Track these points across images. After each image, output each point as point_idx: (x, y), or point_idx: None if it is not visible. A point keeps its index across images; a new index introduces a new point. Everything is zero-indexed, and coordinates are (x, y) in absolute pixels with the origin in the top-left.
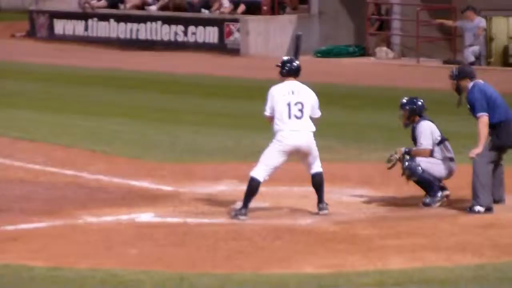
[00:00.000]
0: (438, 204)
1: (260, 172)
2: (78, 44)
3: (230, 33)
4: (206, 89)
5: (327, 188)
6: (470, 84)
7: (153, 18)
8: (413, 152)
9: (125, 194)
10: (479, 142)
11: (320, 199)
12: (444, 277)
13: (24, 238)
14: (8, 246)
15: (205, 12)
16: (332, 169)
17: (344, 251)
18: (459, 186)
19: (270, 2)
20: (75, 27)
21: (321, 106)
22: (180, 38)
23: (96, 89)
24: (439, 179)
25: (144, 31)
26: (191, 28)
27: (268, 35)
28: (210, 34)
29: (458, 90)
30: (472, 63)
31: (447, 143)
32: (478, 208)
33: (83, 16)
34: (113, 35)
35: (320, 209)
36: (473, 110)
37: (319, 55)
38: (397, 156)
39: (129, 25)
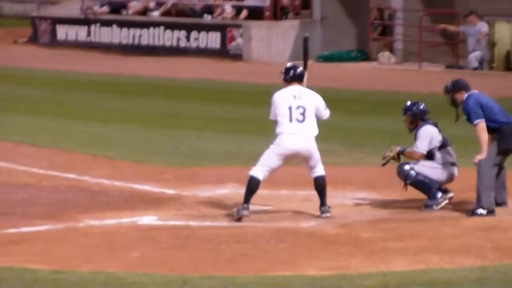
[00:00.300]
0: (440, 206)
1: (259, 171)
2: (80, 50)
3: (233, 38)
4: (208, 94)
5: (330, 192)
6: (465, 96)
7: (155, 24)
8: (407, 153)
9: (128, 198)
10: (481, 148)
11: (323, 202)
12: (447, 279)
13: (26, 241)
14: (11, 249)
15: (207, 18)
16: (335, 172)
17: (347, 253)
18: (462, 189)
19: (273, 7)
20: (78, 33)
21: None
22: (183, 43)
23: (98, 94)
24: (439, 182)
25: (147, 36)
26: (194, 34)
27: (271, 41)
28: (212, 40)
29: (454, 103)
30: (475, 68)
31: (449, 148)
32: (480, 211)
33: (85, 22)
34: (116, 40)
35: (322, 212)
36: (470, 119)
37: (321, 60)
38: (391, 154)
39: (132, 30)
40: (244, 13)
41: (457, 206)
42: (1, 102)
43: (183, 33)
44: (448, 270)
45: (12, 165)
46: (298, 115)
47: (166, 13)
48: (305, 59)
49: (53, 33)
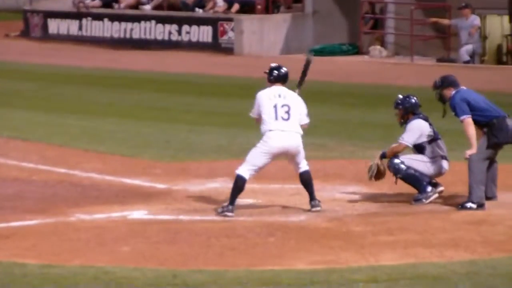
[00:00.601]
0: (430, 199)
1: (245, 170)
2: (72, 43)
3: (224, 32)
4: (200, 88)
5: (320, 185)
6: (453, 92)
7: (147, 18)
8: (389, 152)
9: (118, 192)
10: (470, 143)
11: (312, 196)
12: (437, 273)
13: (16, 235)
14: (0, 244)
15: (199, 11)
16: (326, 166)
17: (337, 247)
18: (452, 182)
19: (264, 1)
20: (69, 27)
21: (315, 104)
22: (174, 37)
23: (90, 88)
24: (429, 176)
25: (138, 30)
26: (185, 27)
27: (262, 34)
28: (204, 33)
29: (442, 99)
30: (466, 62)
31: (439, 141)
32: (470, 204)
33: (77, 15)
34: (107, 34)
35: (312, 206)
36: (456, 115)
37: (313, 53)
38: (375, 161)
39: (123, 24)
40: (236, 6)
41: (447, 200)
42: None
43: (174, 27)
44: (438, 264)
45: (2, 159)
46: (283, 113)
47: (157, 7)
48: (302, 78)
49: (45, 27)
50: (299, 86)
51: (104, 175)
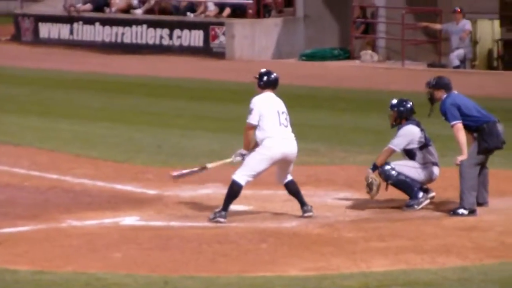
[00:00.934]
0: (421, 205)
1: (242, 176)
2: (63, 48)
3: (216, 36)
4: (191, 93)
5: (311, 191)
6: (444, 95)
7: (138, 22)
8: (378, 162)
9: (110, 198)
10: (461, 148)
11: (303, 202)
12: (428, 279)
13: (8, 242)
14: None
15: (190, 16)
16: (317, 172)
17: (328, 253)
18: (443, 188)
19: (256, 5)
20: (60, 31)
21: (306, 109)
22: (166, 41)
23: (81, 93)
24: (419, 182)
25: (130, 34)
26: (177, 32)
27: (254, 39)
28: (195, 38)
29: (432, 99)
30: (457, 67)
31: (431, 147)
32: (461, 211)
33: (68, 19)
34: (98, 38)
35: (305, 211)
36: (447, 120)
37: (304, 58)
38: (370, 177)
39: (115, 28)
40: (227, 11)
41: (438, 206)
42: None
43: (166, 31)
44: (429, 270)
45: None
46: (283, 120)
47: (149, 11)
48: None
49: (36, 31)
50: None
51: (96, 181)
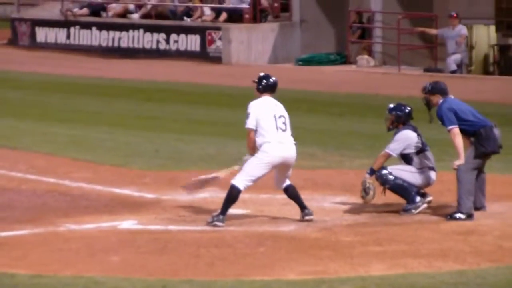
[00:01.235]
0: (418, 210)
1: (241, 181)
2: (60, 52)
3: (212, 41)
4: (188, 97)
5: (309, 195)
6: (440, 100)
7: (135, 26)
8: (375, 166)
9: (107, 202)
10: (458, 153)
11: (303, 206)
12: (426, 284)
13: (5, 245)
14: None
15: (187, 20)
16: (314, 176)
17: (326, 257)
18: (441, 192)
19: (252, 10)
20: (57, 35)
21: (303, 114)
22: (162, 46)
23: (78, 97)
24: (417, 187)
25: (126, 39)
26: (173, 36)
27: (250, 43)
28: (192, 42)
29: (428, 104)
30: (453, 72)
31: (427, 152)
32: (459, 215)
33: (65, 24)
34: (95, 43)
35: (305, 214)
36: (444, 125)
37: (300, 63)
38: (367, 182)
39: (111, 33)
40: (224, 15)
41: (435, 210)
42: None
43: (162, 36)
44: (427, 274)
45: None
46: (281, 124)
47: (146, 16)
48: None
49: (33, 35)
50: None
51: (93, 185)
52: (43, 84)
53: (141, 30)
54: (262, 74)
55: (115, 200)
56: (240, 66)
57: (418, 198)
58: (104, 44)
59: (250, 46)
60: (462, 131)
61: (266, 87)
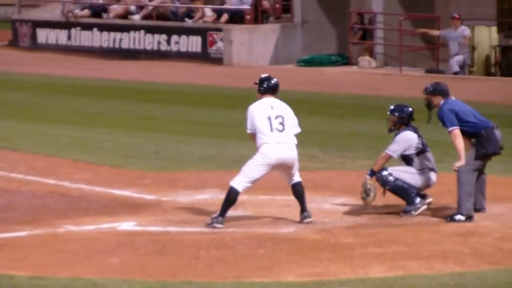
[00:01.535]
0: (418, 211)
1: (240, 182)
2: (61, 53)
3: (213, 42)
4: (189, 98)
5: (309, 197)
6: (442, 102)
7: (136, 28)
8: (376, 168)
9: (107, 203)
10: (459, 154)
11: (303, 208)
12: (425, 285)
13: (5, 247)
14: None
15: (188, 22)
16: (315, 177)
17: (326, 259)
18: (441, 194)
19: (253, 11)
20: (58, 36)
21: (304, 115)
22: (163, 47)
23: (78, 98)
24: (417, 188)
25: (127, 40)
26: (174, 37)
27: (251, 44)
28: (193, 43)
29: (429, 105)
30: (456, 73)
31: (428, 153)
32: (459, 217)
33: (66, 25)
34: (96, 44)
35: (304, 217)
36: (445, 126)
37: (302, 64)
38: (368, 183)
39: (112, 34)
40: (225, 17)
41: (435, 211)
42: None
43: (163, 37)
44: (427, 276)
45: None
46: (278, 124)
47: (147, 17)
48: None
49: (34, 36)
50: None
51: (93, 186)
52: (44, 85)
53: (142, 31)
54: (263, 75)
55: (114, 202)
56: (241, 67)
57: (418, 200)
58: (105, 45)
59: (251, 47)
60: (463, 132)
61: (267, 88)
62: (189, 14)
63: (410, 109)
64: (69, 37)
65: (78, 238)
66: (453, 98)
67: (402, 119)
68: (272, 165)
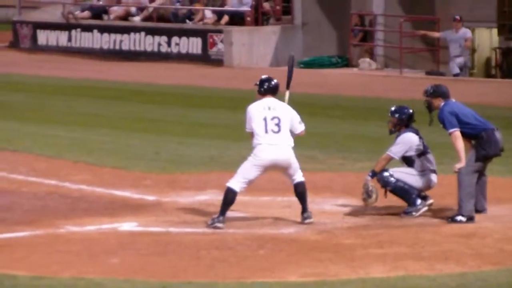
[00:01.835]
0: (419, 212)
1: (236, 183)
2: (61, 55)
3: (214, 44)
4: (189, 100)
5: (310, 198)
6: (442, 103)
7: (136, 29)
8: (377, 169)
9: (108, 204)
10: (459, 156)
11: (304, 208)
12: (427, 286)
13: (6, 247)
14: None
15: (188, 23)
16: (315, 179)
17: (327, 260)
18: (441, 195)
19: (254, 13)
20: (59, 38)
21: (304, 117)
22: (164, 49)
23: (79, 99)
24: (418, 189)
25: (128, 42)
26: (175, 39)
27: (252, 46)
28: (193, 45)
29: (430, 107)
30: (456, 75)
31: (429, 155)
32: (459, 217)
33: (66, 27)
34: (97, 46)
35: (305, 218)
36: (445, 128)
37: (302, 66)
38: (370, 185)
39: (113, 36)
40: (225, 18)
41: (436, 212)
42: None
43: (164, 39)
44: (428, 277)
45: None
46: (273, 126)
47: (147, 19)
48: (289, 78)
49: (34, 38)
50: (288, 86)
51: (94, 187)
52: (44, 87)
53: (143, 33)
54: (264, 76)
55: (115, 202)
56: (241, 69)
57: (419, 201)
58: (105, 46)
59: (252, 49)
60: (464, 134)
61: (268, 89)
62: (190, 15)
63: (410, 110)
64: (69, 39)
65: (79, 238)
66: (453, 100)
67: (402, 121)
68: (265, 166)
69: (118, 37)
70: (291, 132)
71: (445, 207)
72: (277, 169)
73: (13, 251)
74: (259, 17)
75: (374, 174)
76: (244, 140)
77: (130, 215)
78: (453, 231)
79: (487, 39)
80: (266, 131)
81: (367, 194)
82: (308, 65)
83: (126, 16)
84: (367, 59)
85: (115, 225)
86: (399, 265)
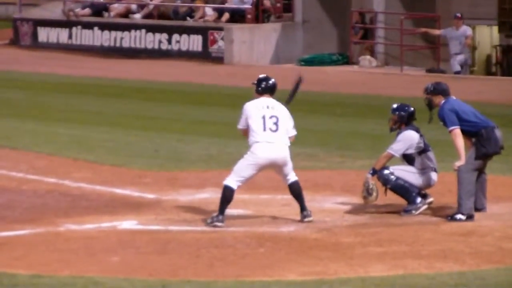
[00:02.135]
0: (419, 211)
1: (232, 181)
2: (61, 52)
3: (214, 41)
4: (189, 97)
5: (309, 196)
6: (442, 101)
7: (137, 26)
8: (377, 166)
9: (108, 202)
10: (459, 154)
11: (303, 207)
12: (426, 285)
13: (6, 245)
14: None
15: (189, 21)
16: (315, 176)
17: (326, 258)
18: (441, 193)
19: (254, 10)
20: (59, 35)
21: (305, 114)
22: (164, 46)
23: (79, 97)
24: (418, 187)
25: (128, 39)
26: (175, 36)
27: (252, 44)
28: (194, 42)
29: (430, 105)
30: (457, 72)
31: (429, 153)
32: (459, 216)
33: (67, 24)
34: (97, 43)
35: (304, 216)
36: (445, 125)
37: (302, 63)
38: (371, 183)
39: (113, 33)
40: (226, 16)
41: (436, 211)
42: None
43: (164, 36)
44: (427, 276)
45: None
46: (272, 124)
47: (148, 16)
48: (291, 96)
49: (35, 35)
50: (287, 103)
51: (93, 185)
52: (45, 84)
53: (143, 30)
54: (261, 76)
55: (115, 200)
56: (242, 66)
57: (419, 199)
58: (106, 44)
59: (252, 46)
60: (464, 131)
61: (265, 89)
62: (190, 13)
63: (412, 108)
64: (70, 36)
65: (79, 236)
66: (454, 98)
67: (402, 118)
68: (262, 165)
69: (118, 34)
70: None
71: (445, 205)
72: (273, 167)
73: (13, 249)
74: (260, 15)
75: (374, 172)
76: (243, 138)
77: (130, 213)
78: (453, 230)
79: (488, 36)
80: (264, 129)
81: (367, 192)
82: (309, 62)
83: (127, 14)
84: (368, 57)
85: (115, 223)
86: (398, 264)
